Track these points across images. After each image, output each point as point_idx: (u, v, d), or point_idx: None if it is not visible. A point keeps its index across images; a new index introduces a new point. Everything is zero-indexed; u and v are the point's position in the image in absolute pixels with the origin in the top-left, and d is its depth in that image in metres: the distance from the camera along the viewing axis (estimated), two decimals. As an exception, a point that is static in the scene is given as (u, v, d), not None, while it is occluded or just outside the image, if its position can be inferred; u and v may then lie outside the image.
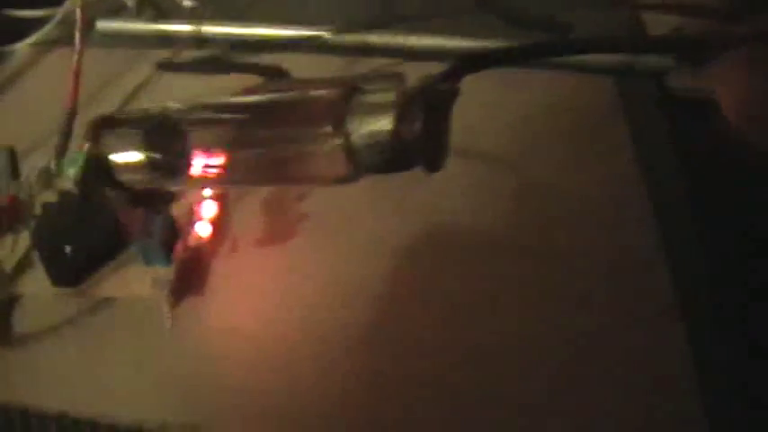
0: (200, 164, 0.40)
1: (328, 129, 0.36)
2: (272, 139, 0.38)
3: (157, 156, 0.41)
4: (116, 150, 0.42)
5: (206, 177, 0.40)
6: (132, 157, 0.42)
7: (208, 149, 0.39)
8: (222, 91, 0.49)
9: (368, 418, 0.42)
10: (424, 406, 0.42)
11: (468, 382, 0.43)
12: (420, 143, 0.35)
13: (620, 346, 0.44)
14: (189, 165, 0.40)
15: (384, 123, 0.35)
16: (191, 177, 0.40)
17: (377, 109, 0.36)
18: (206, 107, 0.42)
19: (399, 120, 0.35)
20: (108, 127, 0.43)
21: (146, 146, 0.41)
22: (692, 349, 0.44)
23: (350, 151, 0.36)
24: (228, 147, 0.39)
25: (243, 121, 0.40)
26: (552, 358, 0.44)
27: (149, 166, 0.41)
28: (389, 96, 0.36)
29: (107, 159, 0.43)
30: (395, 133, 0.35)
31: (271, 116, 0.40)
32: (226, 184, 0.46)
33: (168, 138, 0.40)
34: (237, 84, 0.59)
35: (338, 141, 0.36)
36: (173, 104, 0.43)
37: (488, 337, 0.45)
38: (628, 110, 0.61)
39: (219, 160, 0.39)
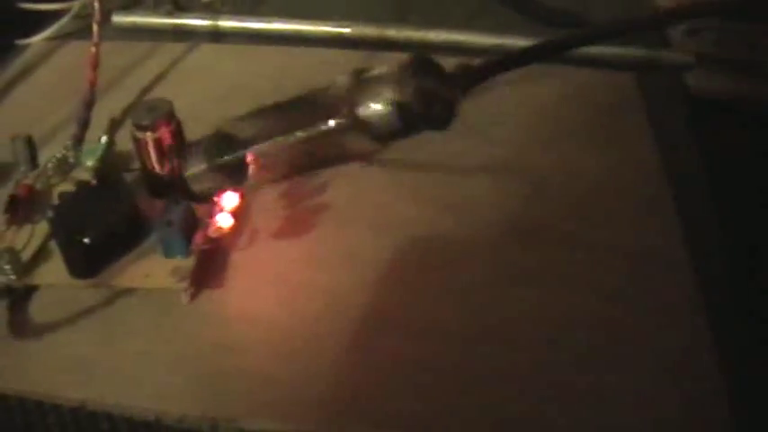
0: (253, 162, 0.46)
1: (343, 115, 0.42)
2: (303, 132, 0.44)
3: (217, 161, 0.46)
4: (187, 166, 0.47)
5: (259, 173, 0.46)
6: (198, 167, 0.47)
7: (257, 150, 0.46)
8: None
9: (391, 405, 0.41)
10: (447, 391, 0.42)
11: (490, 368, 0.43)
12: (420, 106, 0.40)
13: (642, 337, 0.44)
14: (245, 165, 0.46)
15: (385, 95, 0.40)
16: (248, 176, 0.47)
17: (378, 83, 0.41)
18: (248, 116, 0.48)
19: (398, 88, 0.39)
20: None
21: (206, 155, 0.46)
22: (714, 339, 0.43)
23: (365, 128, 0.41)
24: (271, 145, 0.45)
25: (277, 120, 0.46)
26: (573, 348, 0.43)
27: (213, 170, 0.46)
28: (386, 69, 0.41)
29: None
30: (395, 101, 0.39)
31: (297, 113, 0.46)
32: (276, 177, 0.50)
33: (224, 145, 0.46)
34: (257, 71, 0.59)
35: (352, 123, 0.41)
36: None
37: (508, 323, 0.45)
38: (648, 105, 0.61)
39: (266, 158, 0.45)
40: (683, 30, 0.79)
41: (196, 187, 0.48)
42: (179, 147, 0.49)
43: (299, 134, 0.44)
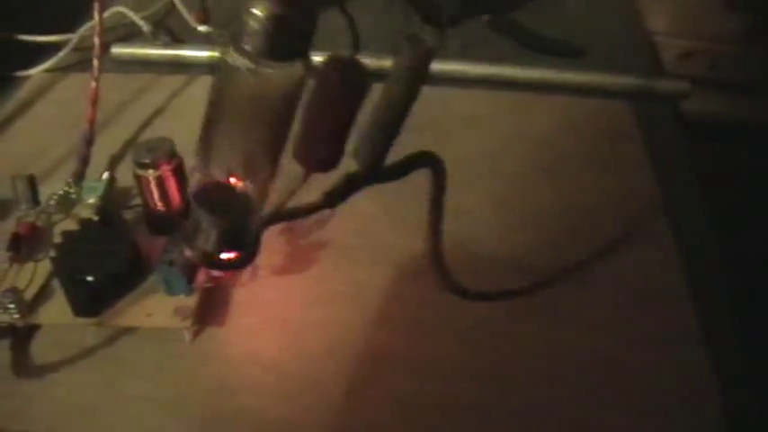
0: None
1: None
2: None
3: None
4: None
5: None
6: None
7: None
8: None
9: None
10: (452, 429, 0.42)
11: (493, 405, 0.43)
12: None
13: (642, 371, 0.44)
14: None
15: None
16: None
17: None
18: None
19: None
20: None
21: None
22: (714, 368, 0.44)
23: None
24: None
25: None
26: (574, 384, 0.44)
27: None
28: None
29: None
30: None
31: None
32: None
33: None
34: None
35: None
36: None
37: (510, 360, 0.45)
38: (645, 132, 0.62)
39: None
40: (677, 54, 0.80)
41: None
42: (180, 185, 0.49)
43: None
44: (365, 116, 0.36)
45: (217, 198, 0.36)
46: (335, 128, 0.35)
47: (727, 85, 0.78)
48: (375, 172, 0.38)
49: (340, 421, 0.43)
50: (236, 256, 0.39)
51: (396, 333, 0.47)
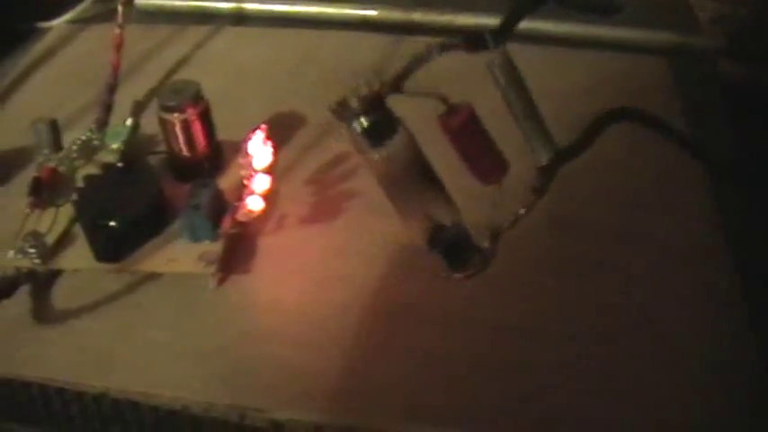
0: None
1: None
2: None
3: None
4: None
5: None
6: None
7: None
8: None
9: (420, 396, 0.41)
10: (476, 382, 0.41)
11: (522, 359, 0.42)
12: None
13: (679, 325, 0.43)
14: None
15: None
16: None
17: None
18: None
19: None
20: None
21: None
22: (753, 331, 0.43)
23: None
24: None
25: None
26: (607, 337, 0.43)
27: None
28: None
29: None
30: None
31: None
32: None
33: None
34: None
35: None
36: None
37: (540, 313, 0.44)
38: (682, 88, 0.60)
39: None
40: (710, 16, 0.78)
41: None
42: (206, 129, 0.48)
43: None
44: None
45: None
46: (481, 147, 0.41)
47: (759, 52, 0.76)
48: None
49: (362, 371, 0.42)
50: None
51: (420, 285, 0.46)
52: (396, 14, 0.67)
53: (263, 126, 0.47)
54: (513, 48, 0.63)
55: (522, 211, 0.41)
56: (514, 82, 0.41)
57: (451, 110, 0.40)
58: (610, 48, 0.65)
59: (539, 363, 0.42)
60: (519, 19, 0.44)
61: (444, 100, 0.39)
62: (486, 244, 0.41)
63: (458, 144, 0.40)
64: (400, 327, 0.44)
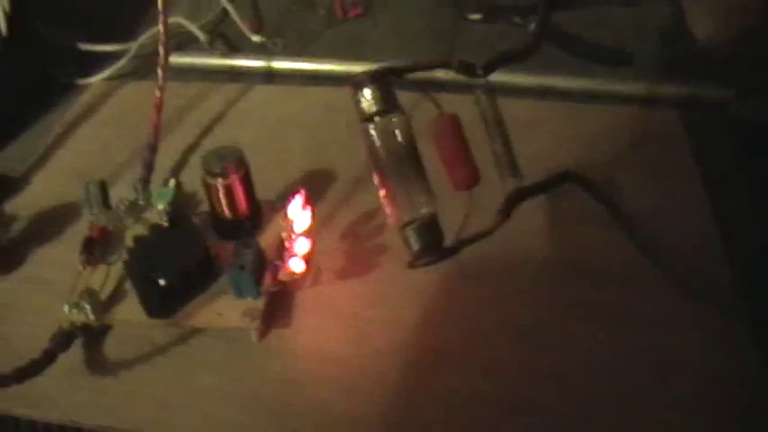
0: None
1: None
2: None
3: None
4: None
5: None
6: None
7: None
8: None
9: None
10: (513, 427, 0.44)
11: (554, 403, 0.45)
12: None
13: (697, 366, 0.46)
14: None
15: None
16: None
17: None
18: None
19: None
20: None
21: None
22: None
23: None
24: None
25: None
26: (632, 384, 0.45)
27: None
28: None
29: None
30: None
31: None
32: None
33: None
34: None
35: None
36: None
37: (567, 360, 0.47)
38: (692, 140, 0.62)
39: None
40: (722, 59, 0.80)
41: None
42: (248, 191, 0.51)
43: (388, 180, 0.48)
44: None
45: None
46: (458, 153, 0.47)
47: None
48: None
49: (401, 415, 0.45)
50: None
51: (455, 332, 0.48)
52: (419, 73, 0.70)
53: (302, 190, 0.50)
54: (536, 104, 0.67)
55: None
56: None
57: (443, 115, 0.47)
58: (623, 101, 0.67)
59: (566, 408, 0.44)
60: (506, 61, 0.52)
61: (437, 104, 0.46)
62: (449, 243, 0.47)
63: (438, 144, 0.46)
64: (435, 371, 0.47)
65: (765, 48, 0.79)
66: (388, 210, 0.47)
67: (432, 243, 0.47)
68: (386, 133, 0.46)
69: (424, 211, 0.46)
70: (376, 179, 0.47)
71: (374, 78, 0.46)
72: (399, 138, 0.46)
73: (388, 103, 0.46)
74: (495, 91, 0.50)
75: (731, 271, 0.51)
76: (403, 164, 0.46)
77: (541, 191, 0.50)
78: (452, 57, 0.49)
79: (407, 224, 0.46)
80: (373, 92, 0.46)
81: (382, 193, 0.47)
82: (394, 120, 0.46)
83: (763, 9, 0.80)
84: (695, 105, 0.67)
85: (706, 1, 0.81)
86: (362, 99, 0.46)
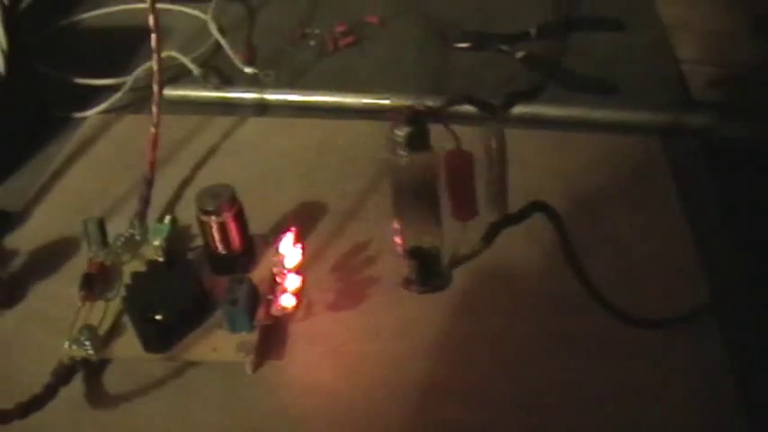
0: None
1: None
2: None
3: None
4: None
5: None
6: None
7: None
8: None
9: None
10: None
11: (537, 427, 0.46)
12: None
13: (672, 398, 0.47)
14: None
15: None
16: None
17: None
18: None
19: None
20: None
21: None
22: (740, 399, 0.47)
23: None
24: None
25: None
26: (616, 410, 0.47)
27: None
28: None
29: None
30: None
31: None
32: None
33: None
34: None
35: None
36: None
37: (555, 389, 0.48)
38: (674, 166, 0.64)
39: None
40: (706, 81, 0.81)
41: None
42: (241, 228, 0.53)
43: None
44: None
45: None
46: (466, 190, 0.48)
47: (759, 111, 0.79)
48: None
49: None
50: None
51: (444, 364, 0.50)
52: (408, 102, 0.72)
53: (293, 228, 0.52)
54: (519, 133, 0.68)
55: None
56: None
57: (459, 150, 0.47)
58: (607, 129, 0.69)
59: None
60: (519, 100, 0.56)
61: (456, 137, 0.46)
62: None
63: (450, 179, 0.47)
64: (426, 404, 0.48)
65: (748, 71, 0.81)
66: (397, 239, 0.48)
67: (429, 275, 0.48)
68: (413, 169, 0.47)
69: (430, 244, 0.48)
70: (393, 208, 0.48)
71: (413, 116, 0.46)
72: (425, 175, 0.47)
73: (422, 141, 0.47)
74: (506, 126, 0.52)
75: (710, 295, 0.53)
76: (422, 199, 0.48)
77: (517, 221, 0.51)
78: (473, 94, 0.48)
79: (411, 252, 0.48)
80: (410, 129, 0.46)
81: (396, 223, 0.48)
82: (425, 157, 0.47)
83: (746, 31, 0.81)
84: (678, 131, 0.69)
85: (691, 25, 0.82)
86: (398, 134, 0.46)
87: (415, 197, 0.48)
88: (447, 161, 0.48)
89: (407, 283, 0.48)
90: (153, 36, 0.61)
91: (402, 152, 0.46)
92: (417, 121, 0.46)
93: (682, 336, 0.50)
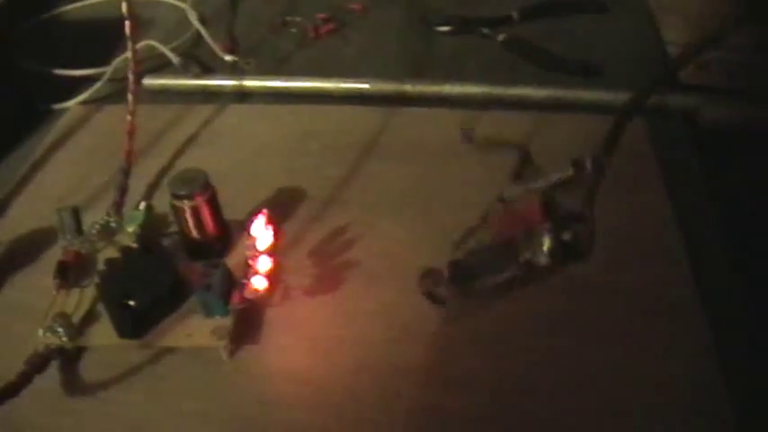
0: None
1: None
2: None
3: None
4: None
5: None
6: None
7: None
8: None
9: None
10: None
11: (519, 417, 0.45)
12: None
13: (659, 382, 0.46)
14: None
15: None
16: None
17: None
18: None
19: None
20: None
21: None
22: (726, 382, 0.46)
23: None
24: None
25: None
26: (596, 394, 0.46)
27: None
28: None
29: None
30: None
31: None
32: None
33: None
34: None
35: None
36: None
37: (534, 372, 0.47)
38: (657, 148, 0.64)
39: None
40: (693, 65, 0.81)
41: None
42: (214, 213, 0.52)
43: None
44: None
45: None
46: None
47: (744, 95, 0.79)
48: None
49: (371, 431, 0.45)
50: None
51: (421, 348, 0.49)
52: (389, 87, 0.72)
53: (264, 211, 0.51)
54: (501, 115, 0.68)
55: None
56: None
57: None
58: (590, 110, 0.68)
59: (533, 420, 0.45)
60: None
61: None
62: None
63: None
64: (403, 388, 0.47)
65: (735, 53, 0.80)
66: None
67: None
68: None
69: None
70: None
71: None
72: None
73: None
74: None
75: (695, 281, 0.52)
76: None
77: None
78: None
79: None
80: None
81: None
82: None
83: (733, 14, 0.81)
84: (663, 113, 0.68)
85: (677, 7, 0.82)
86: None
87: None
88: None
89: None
90: (127, 23, 0.60)
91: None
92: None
93: (664, 319, 0.50)
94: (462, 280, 0.50)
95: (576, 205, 0.49)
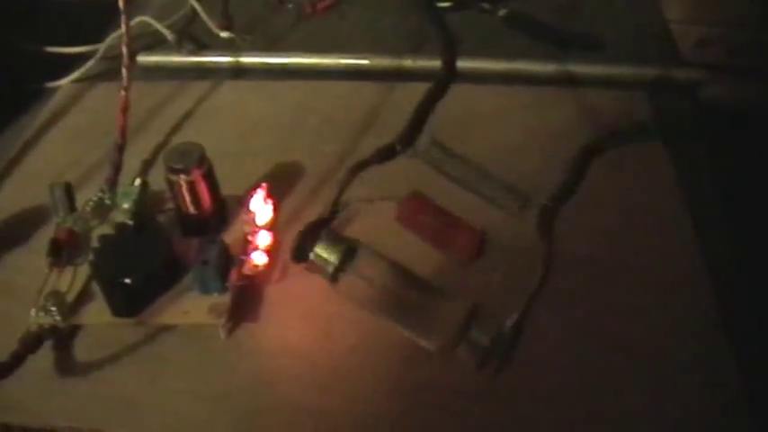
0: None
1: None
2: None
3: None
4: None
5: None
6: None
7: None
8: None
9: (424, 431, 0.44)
10: (482, 416, 0.44)
11: (522, 390, 0.45)
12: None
13: (666, 355, 0.46)
14: None
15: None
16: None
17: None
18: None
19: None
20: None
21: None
22: (733, 353, 0.45)
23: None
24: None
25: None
26: (601, 369, 0.45)
27: None
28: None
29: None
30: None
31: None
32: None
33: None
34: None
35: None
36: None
37: (538, 346, 0.47)
38: (662, 123, 0.62)
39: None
40: (694, 42, 0.80)
41: None
42: (211, 187, 0.51)
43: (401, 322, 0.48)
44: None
45: None
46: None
47: (745, 72, 0.78)
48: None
49: (370, 409, 0.45)
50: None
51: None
52: (387, 62, 0.70)
53: (264, 185, 0.50)
54: (503, 89, 0.67)
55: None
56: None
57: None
58: (592, 84, 0.67)
59: (535, 394, 0.45)
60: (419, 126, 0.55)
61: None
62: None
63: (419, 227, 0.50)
64: (401, 366, 0.47)
65: (739, 31, 0.79)
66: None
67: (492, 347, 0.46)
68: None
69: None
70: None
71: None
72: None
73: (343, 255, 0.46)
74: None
75: (702, 256, 0.51)
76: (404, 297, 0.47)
77: None
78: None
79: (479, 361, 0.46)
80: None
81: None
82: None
83: None
84: (666, 88, 0.67)
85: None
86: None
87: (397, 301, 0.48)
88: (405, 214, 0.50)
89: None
90: (120, -1, 0.59)
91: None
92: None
93: (671, 294, 0.49)
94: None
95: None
